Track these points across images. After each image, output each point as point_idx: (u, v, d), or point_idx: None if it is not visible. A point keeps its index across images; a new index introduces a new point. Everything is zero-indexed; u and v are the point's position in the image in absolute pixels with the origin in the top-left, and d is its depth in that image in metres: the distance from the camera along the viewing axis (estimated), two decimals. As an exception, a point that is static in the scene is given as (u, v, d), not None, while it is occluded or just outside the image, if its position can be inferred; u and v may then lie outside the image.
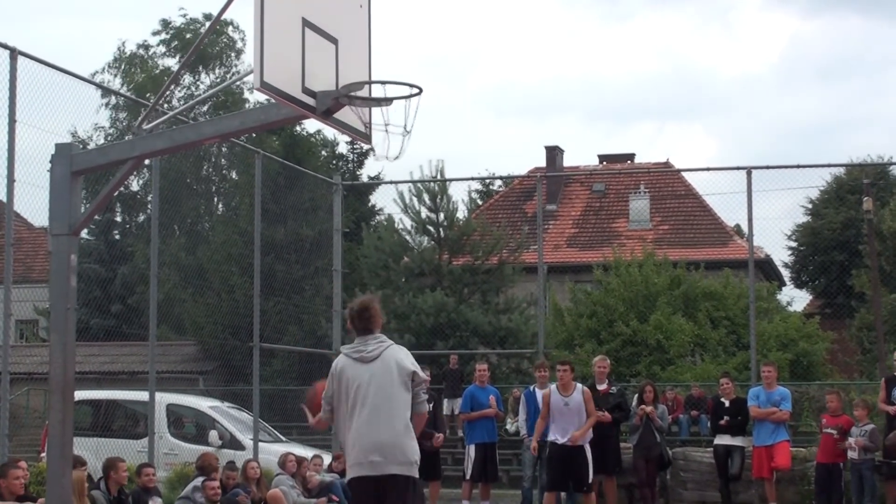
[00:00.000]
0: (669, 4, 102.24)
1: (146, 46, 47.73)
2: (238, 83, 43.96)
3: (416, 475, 7.94)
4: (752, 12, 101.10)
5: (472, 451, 16.24)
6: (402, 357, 7.98)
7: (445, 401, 23.19)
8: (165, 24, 47.22)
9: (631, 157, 47.77)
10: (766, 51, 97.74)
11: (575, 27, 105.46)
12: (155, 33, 47.38)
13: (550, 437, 14.51)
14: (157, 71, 46.18)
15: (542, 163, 45.56)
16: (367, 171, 46.03)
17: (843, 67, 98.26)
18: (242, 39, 47.03)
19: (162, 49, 47.48)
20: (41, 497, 10.65)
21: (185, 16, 47.42)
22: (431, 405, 16.25)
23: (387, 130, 8.76)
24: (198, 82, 46.80)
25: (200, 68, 46.48)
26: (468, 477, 16.29)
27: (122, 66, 47.40)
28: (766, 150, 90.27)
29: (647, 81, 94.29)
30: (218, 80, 46.19)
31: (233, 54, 47.33)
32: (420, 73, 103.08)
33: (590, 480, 14.41)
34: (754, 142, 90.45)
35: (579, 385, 14.56)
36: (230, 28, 47.01)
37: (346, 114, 8.82)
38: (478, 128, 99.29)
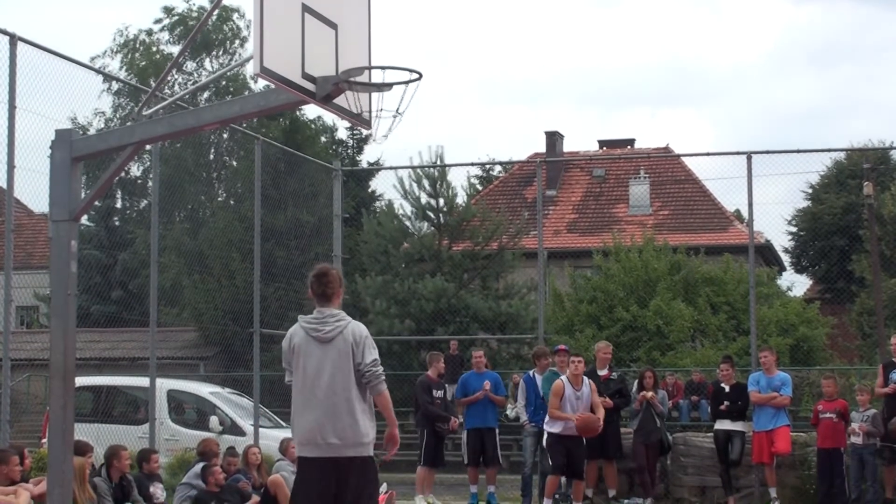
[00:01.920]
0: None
1: (149, 32, 47.49)
2: (240, 70, 43.74)
3: (372, 453, 7.88)
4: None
5: (464, 436, 16.37)
6: (358, 340, 7.81)
7: (446, 386, 23.22)
8: (168, 10, 46.89)
9: (631, 142, 47.76)
10: (759, 38, 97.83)
11: (567, 13, 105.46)
12: (157, 21, 47.10)
13: (550, 428, 14.58)
14: (159, 57, 45.88)
15: (542, 148, 45.55)
16: (367, 156, 46.06)
17: (836, 54, 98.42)
18: (248, 27, 46.66)
19: (165, 36, 47.22)
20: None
21: (188, 1, 47.18)
22: (442, 391, 16.36)
23: (378, 114, 8.78)
24: (201, 69, 46.54)
25: (204, 55, 46.20)
26: (465, 462, 16.44)
27: (126, 52, 47.12)
28: (763, 136, 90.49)
29: (640, 67, 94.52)
30: (221, 67, 45.96)
31: (237, 42, 46.94)
32: (418, 59, 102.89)
33: (584, 468, 14.71)
34: (749, 127, 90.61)
35: (585, 378, 14.62)
36: (235, 15, 46.68)
37: (346, 99, 8.81)
38: (477, 114, 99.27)
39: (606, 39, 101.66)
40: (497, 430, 16.51)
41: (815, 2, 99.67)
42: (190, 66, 46.31)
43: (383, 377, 7.90)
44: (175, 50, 46.09)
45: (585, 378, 14.60)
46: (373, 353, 7.84)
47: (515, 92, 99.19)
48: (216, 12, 45.23)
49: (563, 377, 14.64)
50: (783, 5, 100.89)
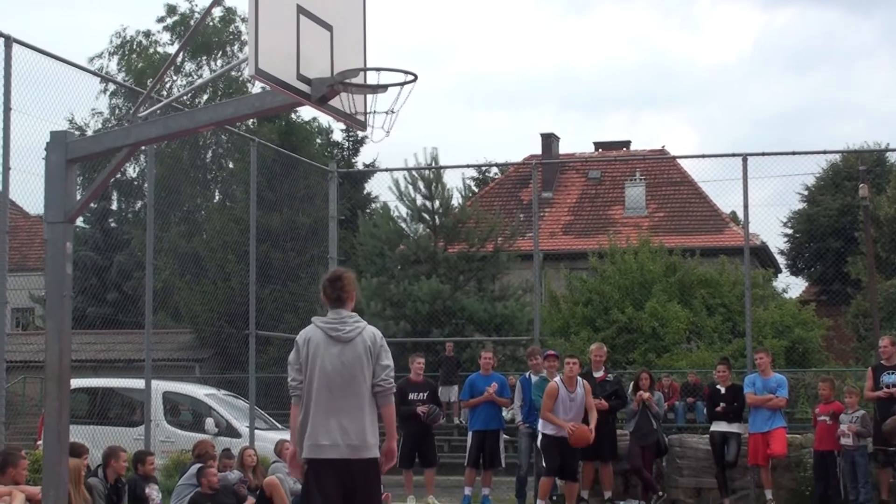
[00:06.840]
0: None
1: (147, 33, 47.31)
2: (240, 72, 43.47)
3: (378, 455, 7.79)
4: (709, 6, 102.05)
5: (469, 437, 16.42)
6: (375, 344, 7.77)
7: (441, 388, 23.21)
8: (171, 9, 46.59)
9: (626, 144, 47.78)
10: (735, 44, 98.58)
11: (542, 20, 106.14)
12: (160, 19, 46.87)
13: (544, 429, 14.59)
14: (158, 58, 45.64)
15: (538, 150, 45.56)
16: (363, 158, 46.03)
17: (812, 58, 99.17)
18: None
19: (165, 37, 46.93)
20: (37, 485, 10.64)
21: (191, 1, 46.94)
22: (427, 393, 16.38)
23: (374, 113, 8.75)
24: (201, 70, 46.29)
25: (204, 57, 45.96)
26: (466, 463, 16.52)
27: (122, 53, 46.94)
28: (746, 138, 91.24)
29: (618, 72, 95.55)
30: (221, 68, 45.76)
31: (237, 45, 46.51)
32: (411, 61, 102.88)
33: (577, 469, 14.75)
34: (733, 129, 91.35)
35: (580, 379, 14.62)
36: (239, 19, 46.30)
37: (341, 101, 8.80)
38: (469, 117, 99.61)
39: (583, 45, 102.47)
40: (501, 432, 16.58)
41: (788, 7, 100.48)
42: (189, 67, 46.17)
43: (394, 389, 7.87)
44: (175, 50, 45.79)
45: (580, 379, 14.61)
46: (387, 360, 7.80)
47: (502, 95, 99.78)
48: (219, 14, 45.05)
49: (558, 379, 14.64)
50: (755, 12, 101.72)
